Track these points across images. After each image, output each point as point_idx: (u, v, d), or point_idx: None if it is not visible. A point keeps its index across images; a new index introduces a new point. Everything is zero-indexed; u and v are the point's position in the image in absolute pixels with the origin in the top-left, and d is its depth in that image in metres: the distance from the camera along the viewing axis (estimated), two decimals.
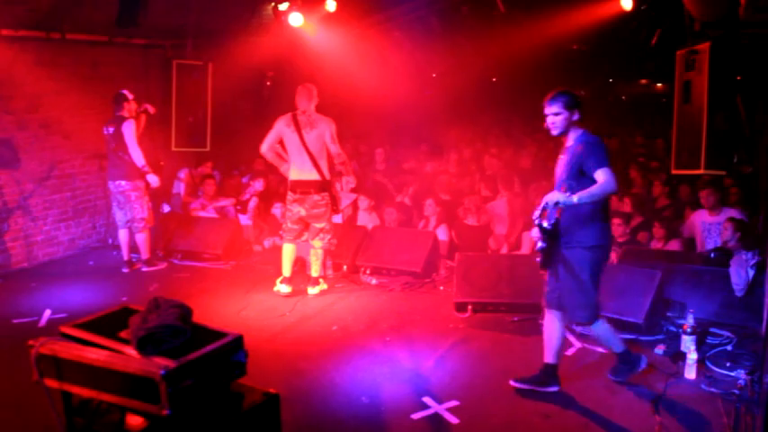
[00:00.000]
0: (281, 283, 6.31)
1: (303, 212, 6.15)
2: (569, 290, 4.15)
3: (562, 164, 4.13)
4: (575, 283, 4.11)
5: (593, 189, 3.79)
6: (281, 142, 6.19)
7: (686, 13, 6.65)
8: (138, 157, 6.83)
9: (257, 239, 8.34)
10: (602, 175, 3.82)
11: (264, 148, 6.20)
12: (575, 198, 3.73)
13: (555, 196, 3.74)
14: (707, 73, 6.08)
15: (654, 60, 11.12)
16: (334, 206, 6.29)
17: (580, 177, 3.93)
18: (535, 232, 4.03)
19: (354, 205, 8.26)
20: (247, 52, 9.08)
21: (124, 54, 8.65)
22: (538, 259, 4.12)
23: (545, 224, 3.80)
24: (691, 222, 6.87)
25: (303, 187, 6.08)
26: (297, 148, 6.03)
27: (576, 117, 4.03)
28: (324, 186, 6.09)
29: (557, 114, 4.02)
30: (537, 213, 3.81)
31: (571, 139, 4.08)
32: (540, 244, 4.02)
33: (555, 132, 4.08)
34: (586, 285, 4.10)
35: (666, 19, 7.98)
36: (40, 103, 7.56)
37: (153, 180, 7.02)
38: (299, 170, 6.07)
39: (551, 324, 4.33)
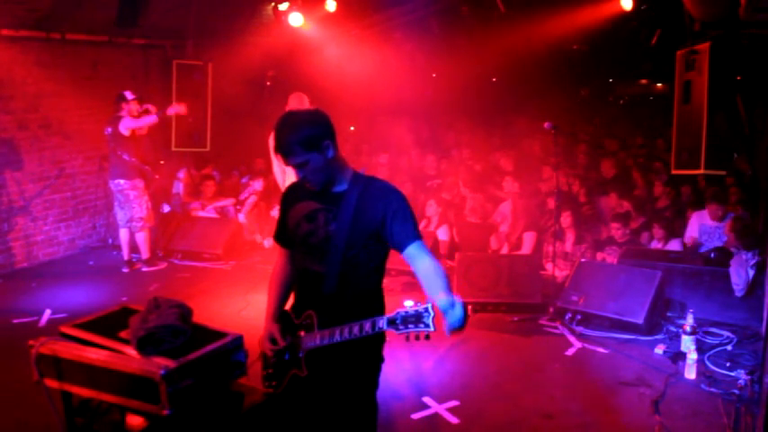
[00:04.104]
0: None
1: None
2: None
3: (323, 222, 2.58)
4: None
5: (441, 276, 2.45)
6: None
7: (686, 13, 6.65)
8: (141, 122, 6.89)
9: (250, 234, 8.37)
10: (424, 258, 2.50)
11: (274, 168, 6.20)
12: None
13: (443, 300, 2.38)
14: (707, 73, 6.08)
15: (653, 60, 11.11)
16: None
17: (372, 244, 2.59)
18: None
19: None
20: (247, 52, 9.09)
21: (124, 54, 8.65)
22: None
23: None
24: (691, 226, 6.86)
25: None
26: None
27: (330, 154, 2.51)
28: None
29: (302, 165, 2.50)
30: (428, 319, 2.48)
31: (343, 183, 2.60)
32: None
33: (318, 188, 2.57)
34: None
35: (666, 19, 7.98)
36: (40, 104, 7.55)
37: (175, 109, 7.08)
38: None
39: None
